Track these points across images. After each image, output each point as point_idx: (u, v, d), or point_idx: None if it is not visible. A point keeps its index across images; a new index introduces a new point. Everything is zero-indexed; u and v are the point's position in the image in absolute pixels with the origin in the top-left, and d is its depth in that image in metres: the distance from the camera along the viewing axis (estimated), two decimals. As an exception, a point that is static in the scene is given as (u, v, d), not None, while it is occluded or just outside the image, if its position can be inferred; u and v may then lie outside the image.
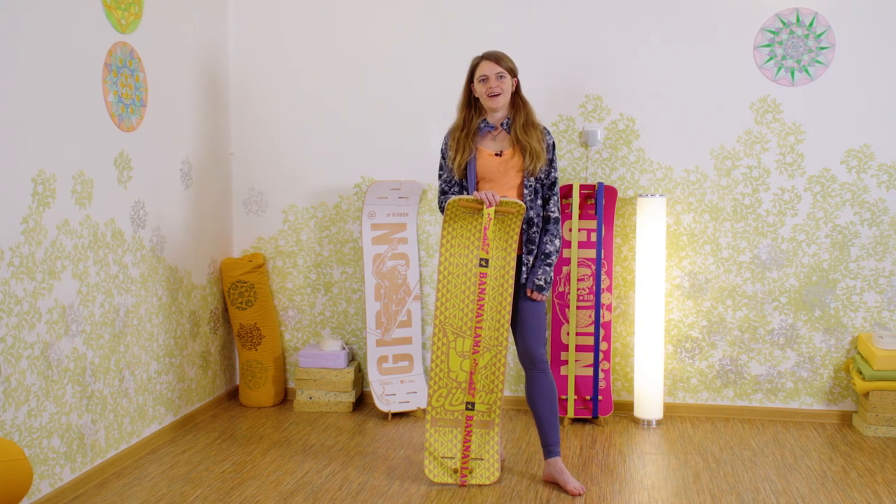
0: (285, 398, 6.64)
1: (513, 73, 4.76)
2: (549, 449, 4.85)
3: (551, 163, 4.79)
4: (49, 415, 4.47)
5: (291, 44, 6.46)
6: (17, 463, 3.69)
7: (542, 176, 4.76)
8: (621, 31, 6.04)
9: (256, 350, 6.40)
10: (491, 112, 4.79)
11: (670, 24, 5.98)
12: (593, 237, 5.99)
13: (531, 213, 4.73)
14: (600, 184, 5.88)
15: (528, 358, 4.83)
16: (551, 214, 4.79)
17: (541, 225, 4.79)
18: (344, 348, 6.37)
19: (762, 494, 4.73)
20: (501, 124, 4.80)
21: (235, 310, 6.37)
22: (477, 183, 4.78)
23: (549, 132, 4.84)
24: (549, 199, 4.80)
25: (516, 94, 4.82)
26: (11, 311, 4.20)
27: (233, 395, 6.64)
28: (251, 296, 6.35)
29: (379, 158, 6.42)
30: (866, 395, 5.75)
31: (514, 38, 6.09)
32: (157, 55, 5.48)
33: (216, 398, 6.39)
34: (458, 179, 4.81)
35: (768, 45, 5.88)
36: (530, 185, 4.74)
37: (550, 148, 4.79)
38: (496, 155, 4.75)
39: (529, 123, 4.77)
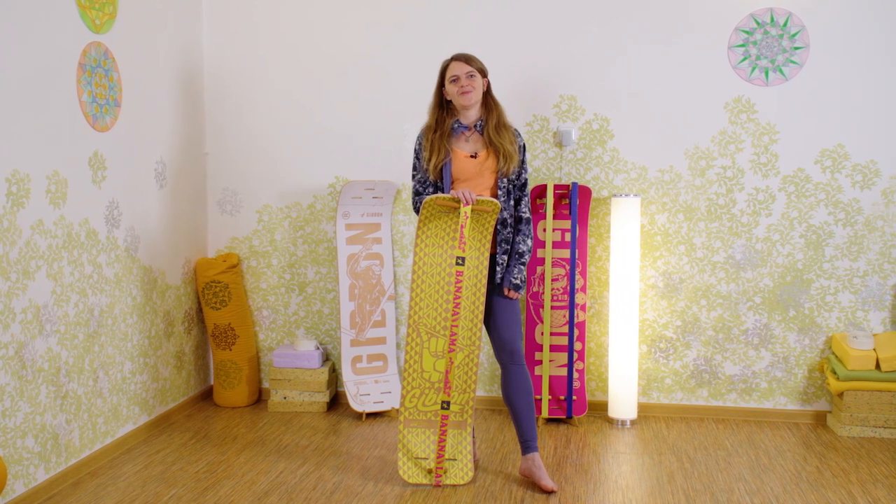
0: (259, 398, 6.63)
1: (483, 73, 4.79)
2: (527, 444, 4.85)
3: (522, 164, 4.81)
4: (23, 415, 4.44)
5: (266, 44, 6.44)
6: (-11, 464, 3.68)
7: (514, 177, 4.78)
8: (596, 31, 6.05)
9: (231, 350, 6.38)
10: (464, 111, 4.80)
11: (645, 24, 6.00)
12: (567, 237, 6.00)
13: (504, 214, 4.75)
14: (574, 184, 5.89)
15: (506, 352, 4.82)
16: (522, 215, 4.82)
17: (513, 225, 4.81)
18: (318, 348, 6.36)
19: (736, 495, 4.75)
20: (475, 126, 4.81)
21: (210, 310, 6.35)
22: (452, 184, 4.79)
23: (520, 134, 4.87)
24: (521, 199, 4.82)
25: (488, 95, 4.85)
26: (-17, 311, 4.18)
27: (207, 395, 6.62)
28: (225, 296, 6.33)
29: (353, 158, 6.40)
30: (840, 395, 5.78)
31: (488, 38, 6.10)
32: (131, 55, 5.45)
33: (190, 398, 6.36)
34: (432, 181, 4.82)
35: (743, 45, 5.90)
36: (503, 187, 4.75)
37: (521, 149, 4.82)
38: (471, 157, 4.76)
39: (501, 124, 4.80)
